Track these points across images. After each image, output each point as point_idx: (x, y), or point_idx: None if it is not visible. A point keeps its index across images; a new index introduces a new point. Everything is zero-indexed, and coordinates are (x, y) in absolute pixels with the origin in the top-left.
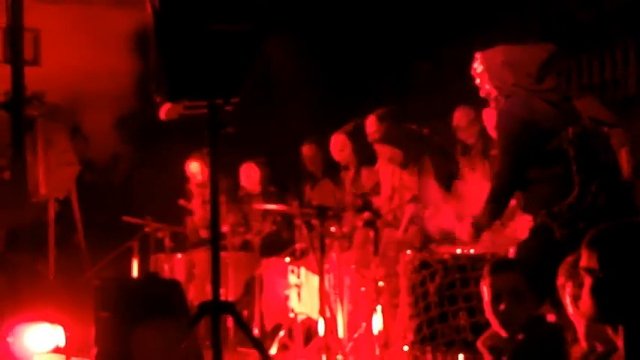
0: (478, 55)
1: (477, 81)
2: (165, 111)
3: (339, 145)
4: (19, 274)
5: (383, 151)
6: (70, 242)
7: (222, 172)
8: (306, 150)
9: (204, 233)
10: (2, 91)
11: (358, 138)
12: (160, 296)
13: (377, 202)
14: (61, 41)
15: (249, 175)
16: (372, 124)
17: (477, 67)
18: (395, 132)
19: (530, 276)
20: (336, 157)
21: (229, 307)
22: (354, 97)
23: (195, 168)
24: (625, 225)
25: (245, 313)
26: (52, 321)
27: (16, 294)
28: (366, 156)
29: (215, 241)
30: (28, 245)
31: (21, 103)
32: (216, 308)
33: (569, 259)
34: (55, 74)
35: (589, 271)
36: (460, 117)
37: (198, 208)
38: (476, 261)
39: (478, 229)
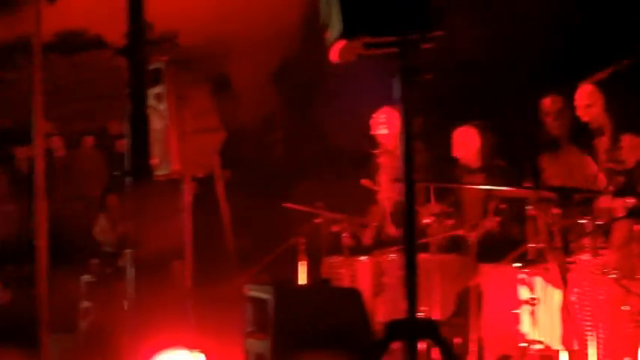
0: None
1: None
2: (338, 51)
3: (586, 99)
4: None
5: None
6: (212, 238)
7: (421, 142)
8: (549, 104)
9: (391, 228)
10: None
11: (614, 92)
12: (334, 312)
13: None
14: None
15: (465, 143)
16: None
17: None
18: None
19: None
20: (583, 115)
21: (432, 330)
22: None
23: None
24: None
25: (456, 339)
26: (191, 346)
27: (147, 309)
28: (624, 117)
29: (410, 239)
30: (160, 242)
31: (140, 46)
32: (413, 331)
33: None
34: (191, 9)
35: None
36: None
37: (385, 190)
38: None
39: None
